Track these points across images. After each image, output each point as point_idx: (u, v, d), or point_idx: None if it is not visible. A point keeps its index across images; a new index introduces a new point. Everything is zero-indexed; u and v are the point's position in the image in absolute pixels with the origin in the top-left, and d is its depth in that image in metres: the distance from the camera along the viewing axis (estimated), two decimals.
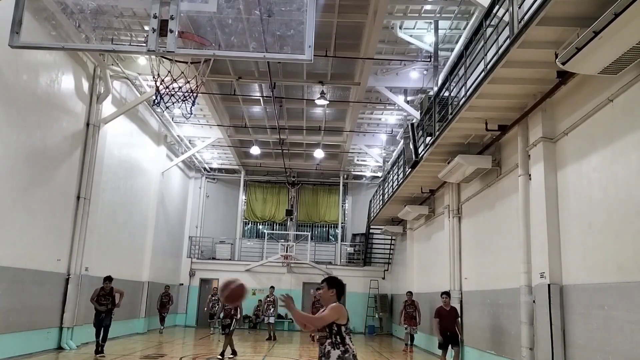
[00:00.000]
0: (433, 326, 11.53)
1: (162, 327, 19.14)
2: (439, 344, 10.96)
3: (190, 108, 10.18)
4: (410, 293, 16.17)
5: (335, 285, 4.67)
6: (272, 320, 18.55)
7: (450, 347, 10.84)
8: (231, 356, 12.35)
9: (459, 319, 11.37)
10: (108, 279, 11.90)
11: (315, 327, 4.57)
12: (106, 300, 11.73)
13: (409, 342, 15.68)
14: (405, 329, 15.69)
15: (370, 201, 24.39)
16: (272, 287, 19.58)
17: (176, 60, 9.65)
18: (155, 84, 9.71)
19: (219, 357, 11.99)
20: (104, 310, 11.67)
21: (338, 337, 4.43)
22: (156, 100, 10.11)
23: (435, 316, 10.95)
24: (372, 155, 23.18)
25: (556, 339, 7.53)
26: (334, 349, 4.40)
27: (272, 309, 18.67)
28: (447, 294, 11.36)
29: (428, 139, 12.10)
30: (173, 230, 22.98)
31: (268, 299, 19.09)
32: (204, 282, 24.48)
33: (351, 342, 4.50)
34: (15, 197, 10.64)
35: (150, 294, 19.03)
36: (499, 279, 10.44)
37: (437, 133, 10.99)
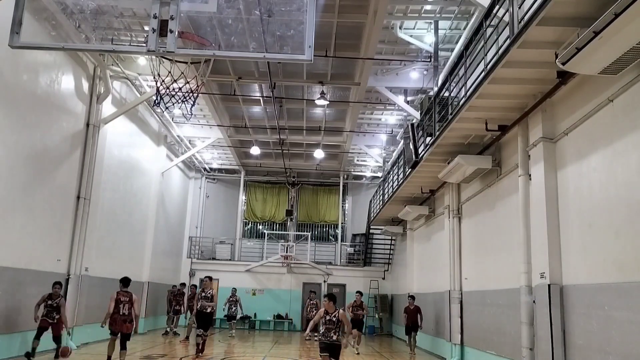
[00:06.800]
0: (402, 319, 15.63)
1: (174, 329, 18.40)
2: (405, 331, 15.30)
3: (191, 108, 10.15)
4: None
5: (334, 299, 8.20)
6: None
7: (412, 332, 14.90)
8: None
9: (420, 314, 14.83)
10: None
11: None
12: None
13: None
14: None
15: (370, 201, 24.38)
16: (234, 289, 19.79)
17: (176, 61, 9.63)
18: (156, 84, 9.70)
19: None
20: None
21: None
22: (156, 101, 10.10)
23: (404, 312, 15.22)
24: (372, 155, 23.16)
25: (556, 339, 7.53)
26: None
27: (234, 308, 19.08)
28: (412, 297, 15.38)
29: (428, 139, 12.10)
30: (173, 231, 22.98)
31: (231, 299, 19.14)
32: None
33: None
34: (15, 197, 10.64)
35: (150, 294, 19.01)
36: (499, 279, 10.44)
37: (437, 133, 10.99)
